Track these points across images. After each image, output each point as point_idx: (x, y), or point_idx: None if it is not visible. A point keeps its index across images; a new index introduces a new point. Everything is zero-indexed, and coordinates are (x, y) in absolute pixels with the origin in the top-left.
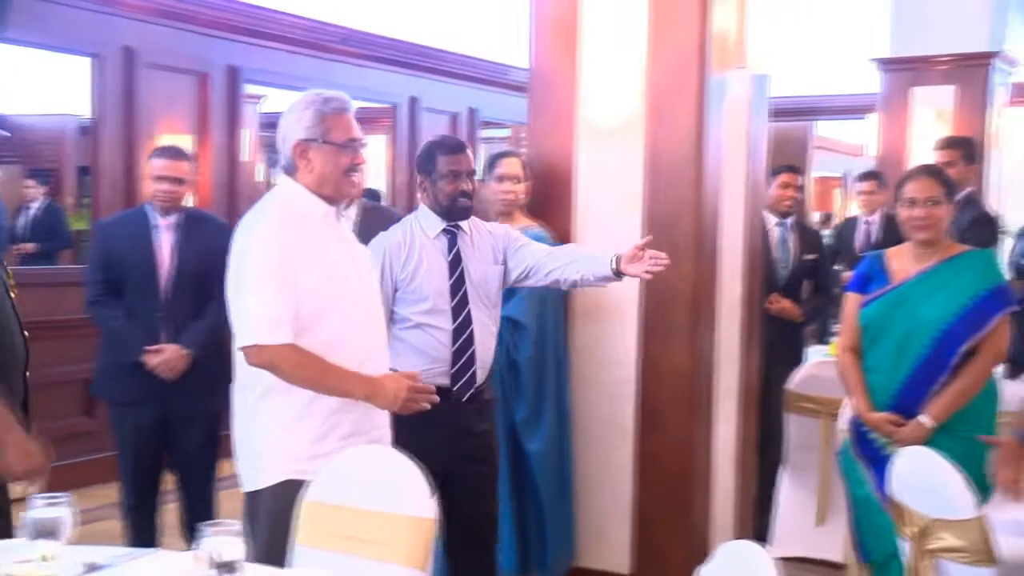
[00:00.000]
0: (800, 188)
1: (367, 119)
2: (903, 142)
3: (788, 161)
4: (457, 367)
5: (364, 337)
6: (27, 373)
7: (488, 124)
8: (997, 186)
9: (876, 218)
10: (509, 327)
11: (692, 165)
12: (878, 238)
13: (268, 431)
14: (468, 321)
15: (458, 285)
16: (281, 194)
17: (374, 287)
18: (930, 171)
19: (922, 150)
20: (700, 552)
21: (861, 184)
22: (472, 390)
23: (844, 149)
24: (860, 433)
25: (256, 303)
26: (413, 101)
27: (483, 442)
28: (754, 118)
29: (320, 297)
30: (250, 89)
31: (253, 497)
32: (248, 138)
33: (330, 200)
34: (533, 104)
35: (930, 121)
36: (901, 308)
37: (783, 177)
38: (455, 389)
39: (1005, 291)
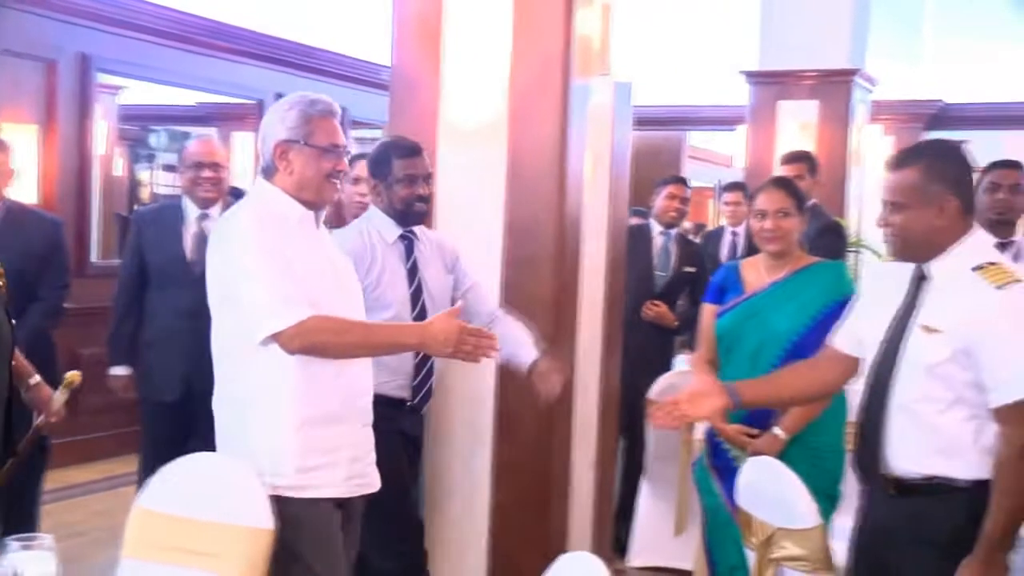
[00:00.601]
0: (686, 200)
1: (232, 115)
2: (770, 154)
3: (662, 171)
4: (418, 379)
5: None
6: (12, 362)
7: (359, 124)
8: (858, 202)
9: (742, 229)
10: None
11: (554, 169)
12: (744, 249)
13: (253, 443)
14: None
15: (417, 294)
16: (257, 196)
17: (358, 296)
18: (779, 183)
19: None
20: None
21: (727, 195)
22: (428, 401)
23: (716, 160)
24: (714, 444)
25: (263, 289)
26: (280, 98)
27: (418, 448)
28: (618, 125)
29: (307, 295)
30: (108, 80)
31: None
32: (105, 130)
33: (309, 205)
34: (395, 104)
35: (795, 134)
36: (754, 319)
37: (671, 188)
38: (416, 401)
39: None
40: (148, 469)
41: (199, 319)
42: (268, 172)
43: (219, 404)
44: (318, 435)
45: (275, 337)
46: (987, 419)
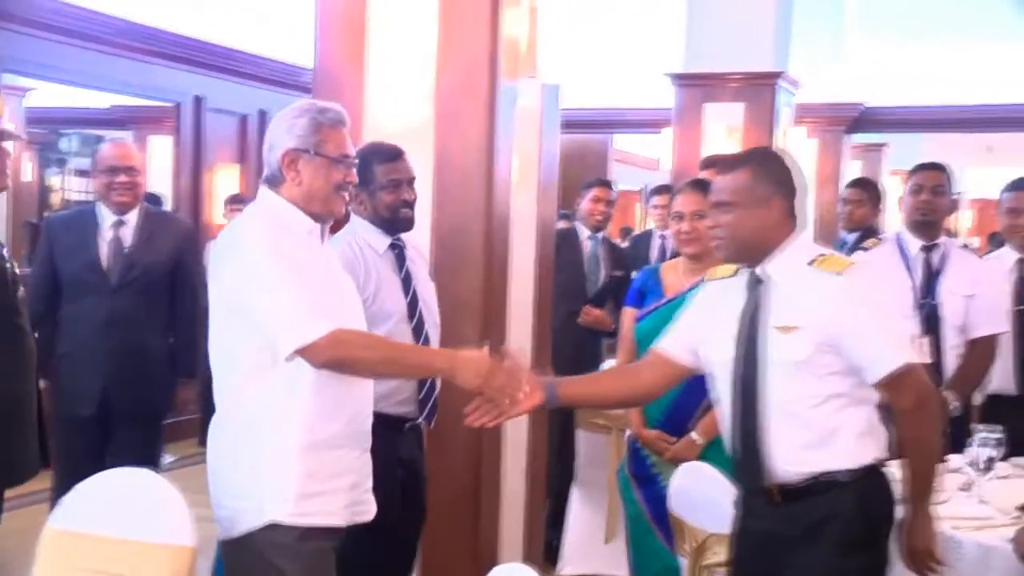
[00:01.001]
0: (611, 203)
1: (148, 118)
2: (696, 157)
3: (588, 174)
4: (423, 393)
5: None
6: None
7: None
8: None
9: (671, 232)
10: None
11: (482, 172)
12: (673, 252)
13: (254, 466)
14: (427, 342)
15: (414, 304)
16: (264, 206)
17: (362, 315)
18: (697, 185)
19: None
20: (488, 570)
21: (655, 198)
22: (434, 416)
23: (642, 163)
24: (635, 451)
25: (289, 299)
26: (198, 101)
27: (415, 471)
28: (546, 127)
29: None
30: (14, 81)
31: (232, 547)
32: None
33: (316, 217)
34: None
35: (721, 137)
36: (672, 323)
37: (596, 191)
38: (423, 417)
39: None
40: (62, 486)
41: (116, 329)
42: (274, 182)
43: (220, 425)
44: (324, 459)
45: (304, 350)
46: (861, 403)
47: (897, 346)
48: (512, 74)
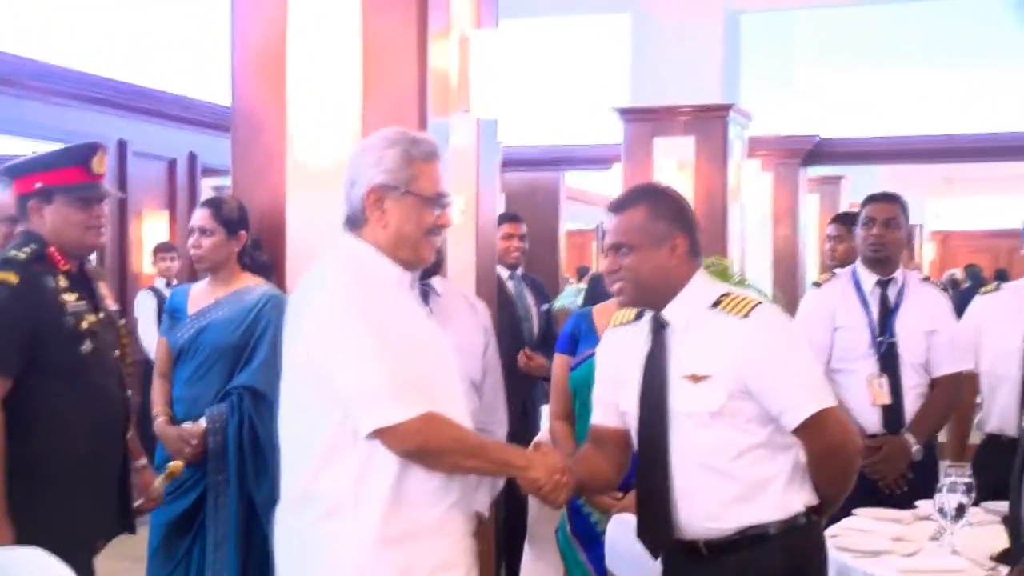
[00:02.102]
0: (524, 237)
1: None
2: None
3: (540, 212)
4: None
5: None
6: (127, 435)
7: (211, 172)
8: (739, 240)
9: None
10: (249, 398)
11: None
12: None
13: (335, 563)
14: None
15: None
16: (344, 254)
17: (457, 384)
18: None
19: None
20: None
21: None
22: None
23: (595, 200)
24: (574, 509)
25: (375, 370)
26: (122, 145)
27: None
28: (483, 164)
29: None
30: None
31: None
32: None
33: (404, 265)
34: (238, 146)
35: (673, 172)
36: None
37: (506, 227)
38: None
39: None
40: None
41: None
42: (356, 223)
43: (288, 512)
44: (418, 547)
45: (387, 431)
46: (784, 449)
47: (809, 390)
48: (442, 109)
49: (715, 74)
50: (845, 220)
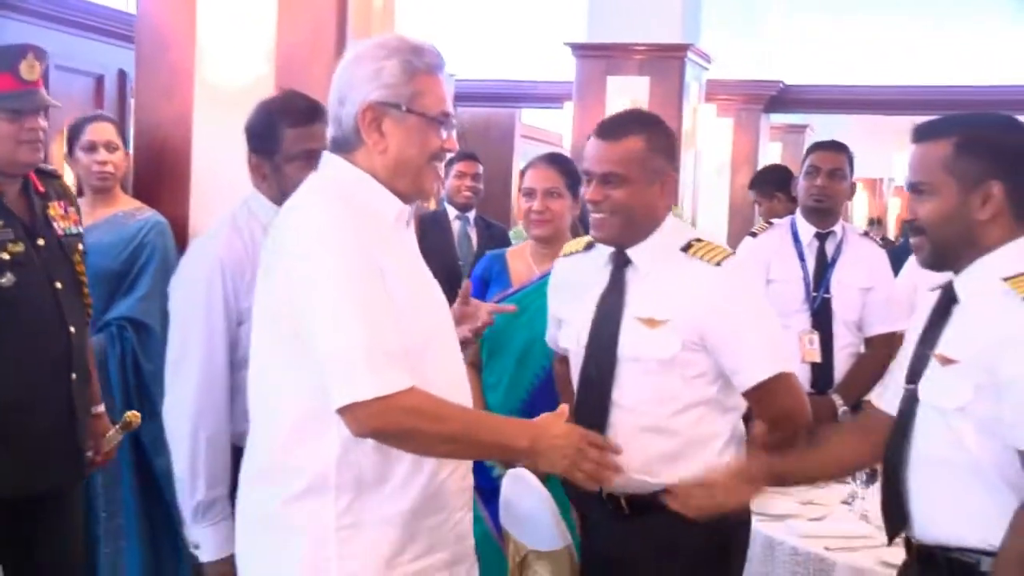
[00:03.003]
0: (478, 176)
1: None
2: None
3: (493, 150)
4: None
5: (457, 399)
6: (73, 375)
7: None
8: (692, 187)
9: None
10: (132, 330)
11: None
12: None
13: (308, 547)
14: None
15: None
16: (333, 180)
17: (455, 334)
18: (551, 160)
19: None
20: None
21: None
22: None
23: (552, 139)
24: (478, 462)
25: (351, 335)
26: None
27: None
28: None
29: (407, 336)
30: None
31: None
32: None
33: (403, 197)
34: (142, 60)
35: None
36: (522, 316)
37: (459, 166)
38: None
39: None
40: None
41: None
42: (346, 147)
43: (257, 484)
44: (404, 530)
45: (350, 408)
46: (727, 411)
47: (770, 352)
48: (364, 32)
49: (675, 12)
50: (754, 185)
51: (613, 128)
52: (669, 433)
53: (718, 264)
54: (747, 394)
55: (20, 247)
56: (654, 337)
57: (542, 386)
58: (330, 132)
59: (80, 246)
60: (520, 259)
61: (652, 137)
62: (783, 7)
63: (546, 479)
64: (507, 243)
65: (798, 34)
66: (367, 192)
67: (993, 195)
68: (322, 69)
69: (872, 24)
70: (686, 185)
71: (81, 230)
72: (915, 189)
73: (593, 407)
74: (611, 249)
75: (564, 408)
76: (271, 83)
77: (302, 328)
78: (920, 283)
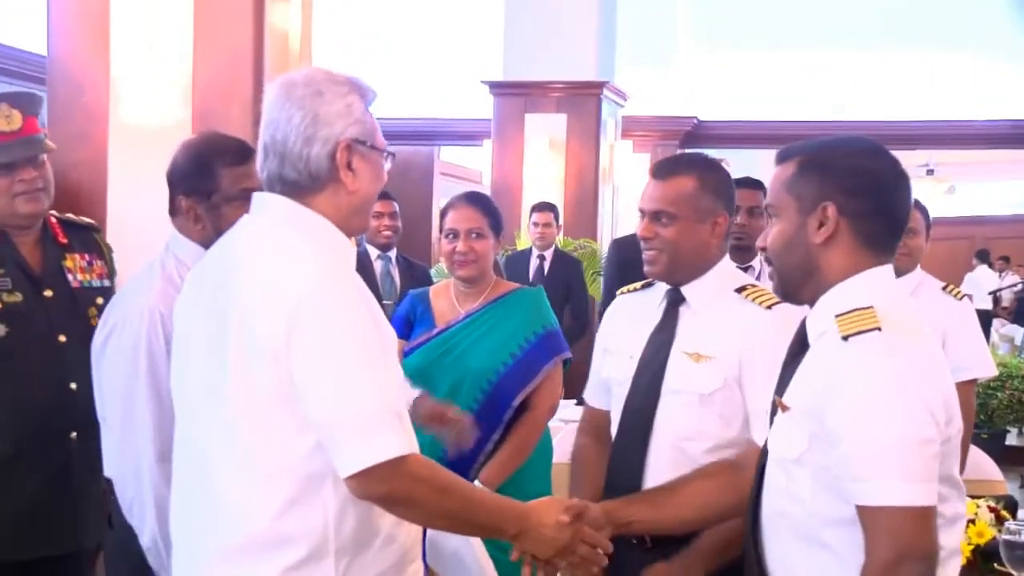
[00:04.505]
0: (395, 215)
1: None
2: (518, 170)
3: (413, 188)
4: None
5: None
6: (73, 434)
7: None
8: (609, 221)
9: (550, 253)
10: None
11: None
12: (541, 272)
13: None
14: None
15: None
16: (293, 224)
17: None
18: (473, 199)
19: (537, 179)
20: None
21: (537, 215)
22: None
23: (470, 176)
24: None
25: (364, 395)
26: None
27: None
28: None
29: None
30: None
31: None
32: None
33: (353, 236)
34: (54, 103)
35: (543, 150)
36: (448, 356)
37: (377, 205)
38: None
39: (555, 336)
40: None
41: None
42: (309, 188)
43: (242, 561)
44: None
45: (365, 472)
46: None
47: None
48: (281, 70)
49: (590, 50)
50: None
51: (666, 167)
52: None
53: (769, 308)
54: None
55: (17, 297)
56: (697, 371)
57: (473, 424)
58: (277, 173)
59: (100, 300)
60: (444, 298)
61: (703, 177)
62: (695, 46)
63: None
64: (430, 282)
65: (711, 71)
66: (330, 236)
67: (828, 217)
68: (240, 109)
69: (782, 61)
70: (604, 219)
71: (106, 284)
72: (768, 212)
73: (633, 436)
74: (667, 287)
75: (564, 503)
76: (188, 124)
77: (302, 387)
78: None
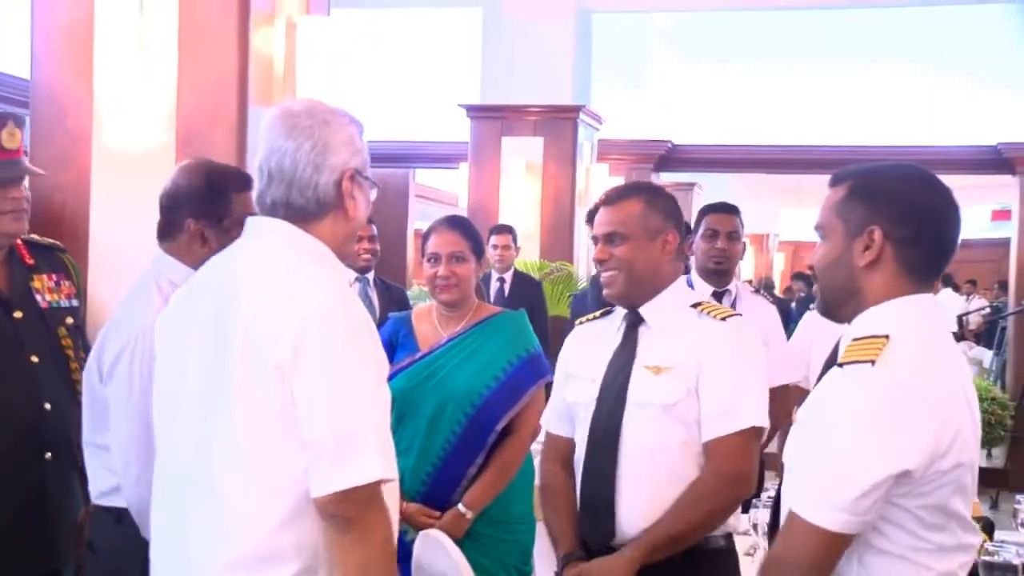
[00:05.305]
0: (373, 239)
1: None
2: (495, 193)
3: (389, 211)
4: None
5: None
6: (47, 454)
7: None
8: (586, 243)
9: (510, 275)
10: None
11: None
12: (503, 293)
13: None
14: None
15: None
16: (312, 252)
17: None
18: (454, 223)
19: (513, 202)
20: None
21: (495, 238)
22: None
23: (445, 199)
24: None
25: (362, 414)
26: None
27: None
28: None
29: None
30: None
31: None
32: None
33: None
34: (37, 126)
35: (520, 173)
36: (431, 380)
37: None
38: None
39: (538, 359)
40: None
41: None
42: (314, 214)
43: (234, 571)
44: None
45: (353, 490)
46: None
47: (744, 406)
48: (265, 97)
49: (566, 74)
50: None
51: (614, 194)
52: (676, 479)
53: (723, 320)
54: (713, 444)
55: None
56: (660, 384)
57: (453, 451)
58: (283, 199)
59: (69, 320)
60: (426, 322)
61: (650, 199)
62: (670, 71)
63: (461, 543)
64: (407, 304)
65: (685, 95)
66: (332, 260)
67: (874, 240)
68: (224, 133)
69: (757, 86)
70: (580, 242)
71: (74, 303)
72: (818, 233)
73: (603, 451)
74: (624, 311)
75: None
76: (173, 147)
77: (300, 402)
78: (815, 339)
